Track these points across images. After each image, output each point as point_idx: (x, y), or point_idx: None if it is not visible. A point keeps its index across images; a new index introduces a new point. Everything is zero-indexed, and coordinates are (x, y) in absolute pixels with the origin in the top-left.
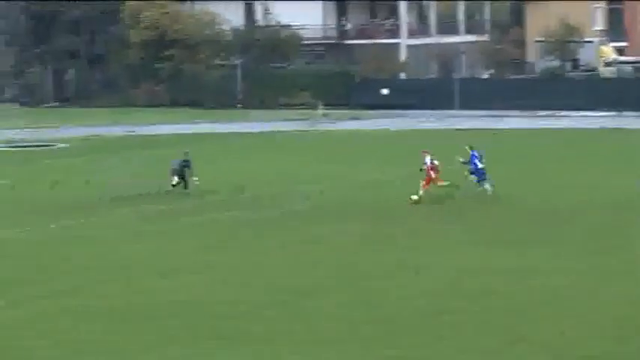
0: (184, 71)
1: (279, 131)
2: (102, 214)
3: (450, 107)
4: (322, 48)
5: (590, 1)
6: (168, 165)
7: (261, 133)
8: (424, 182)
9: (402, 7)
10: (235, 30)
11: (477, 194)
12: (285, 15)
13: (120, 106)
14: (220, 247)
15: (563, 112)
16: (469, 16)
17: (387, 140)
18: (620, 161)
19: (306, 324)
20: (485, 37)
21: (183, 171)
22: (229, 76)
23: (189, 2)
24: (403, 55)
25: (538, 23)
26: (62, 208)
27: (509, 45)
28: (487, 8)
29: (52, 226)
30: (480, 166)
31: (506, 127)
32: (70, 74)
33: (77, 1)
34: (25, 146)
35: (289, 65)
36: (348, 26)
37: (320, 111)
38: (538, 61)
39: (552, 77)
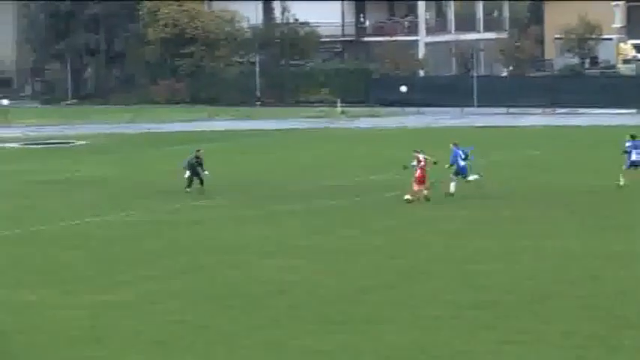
0: (204, 68)
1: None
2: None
3: (469, 105)
4: (341, 45)
5: None
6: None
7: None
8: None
9: (421, 4)
10: (254, 27)
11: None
12: (304, 13)
13: (138, 103)
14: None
15: (581, 110)
16: (488, 13)
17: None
18: None
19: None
20: (504, 35)
21: (195, 167)
22: (248, 74)
23: (207, 1)
24: (421, 53)
25: (557, 20)
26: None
27: (528, 42)
28: (506, 5)
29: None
30: (462, 164)
31: (526, 124)
32: (89, 72)
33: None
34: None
35: (308, 63)
36: (367, 24)
37: (339, 108)
38: (557, 58)
39: (571, 75)
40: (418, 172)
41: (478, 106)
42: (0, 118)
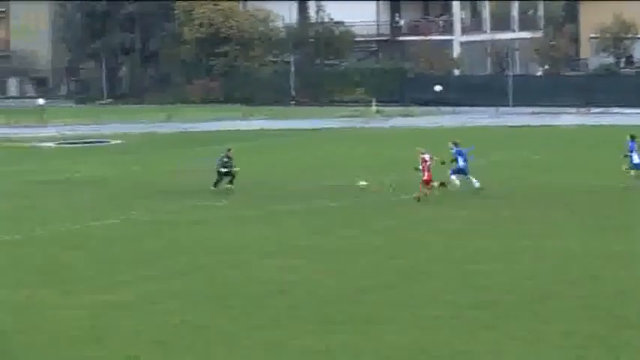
0: (238, 68)
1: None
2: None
3: (504, 104)
4: (375, 45)
5: None
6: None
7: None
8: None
9: (456, 4)
10: (289, 27)
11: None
12: (339, 12)
13: (173, 102)
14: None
15: (616, 109)
16: (523, 13)
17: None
18: None
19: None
20: (539, 34)
21: (226, 166)
22: (282, 73)
23: (242, 1)
24: (456, 52)
25: (592, 19)
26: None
27: (563, 41)
28: (541, 5)
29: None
30: (461, 164)
31: (563, 123)
32: (124, 71)
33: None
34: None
35: (342, 62)
36: (402, 23)
37: (373, 108)
38: (592, 57)
39: (606, 74)
40: (426, 175)
41: (513, 106)
42: (36, 117)
